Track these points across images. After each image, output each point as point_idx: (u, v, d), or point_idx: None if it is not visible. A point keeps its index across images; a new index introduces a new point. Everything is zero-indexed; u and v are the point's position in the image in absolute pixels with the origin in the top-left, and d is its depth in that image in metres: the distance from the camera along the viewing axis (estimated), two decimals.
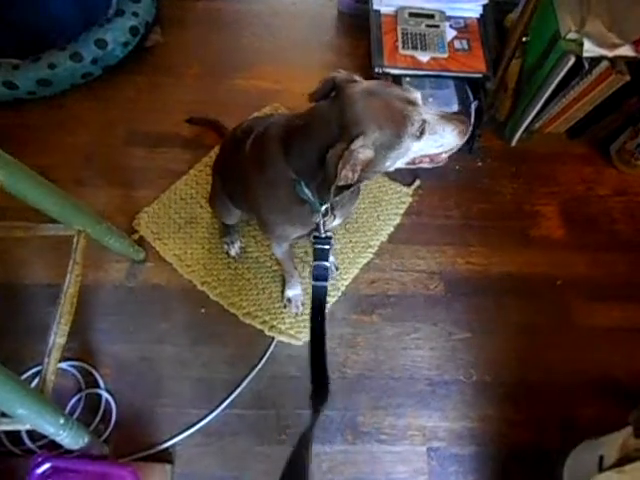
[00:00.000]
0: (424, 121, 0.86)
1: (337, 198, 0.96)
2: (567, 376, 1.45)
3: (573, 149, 1.89)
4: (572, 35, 1.50)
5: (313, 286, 1.01)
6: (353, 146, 0.82)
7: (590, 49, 1.48)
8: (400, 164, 0.93)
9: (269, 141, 0.97)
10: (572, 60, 1.51)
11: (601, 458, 1.13)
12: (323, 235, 1.02)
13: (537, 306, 1.56)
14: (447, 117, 0.90)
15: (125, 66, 1.92)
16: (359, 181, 0.91)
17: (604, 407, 1.40)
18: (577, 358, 1.48)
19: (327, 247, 1.02)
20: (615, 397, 1.41)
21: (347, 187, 0.90)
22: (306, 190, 0.95)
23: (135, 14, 1.86)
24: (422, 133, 0.87)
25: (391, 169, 0.93)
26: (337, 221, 1.12)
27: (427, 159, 0.96)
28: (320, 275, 1.01)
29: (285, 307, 1.51)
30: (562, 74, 1.56)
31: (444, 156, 0.98)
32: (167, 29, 2.07)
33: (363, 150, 0.83)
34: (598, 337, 1.52)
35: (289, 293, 1.50)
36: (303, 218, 1.04)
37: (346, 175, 0.84)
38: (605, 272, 1.63)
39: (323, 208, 0.98)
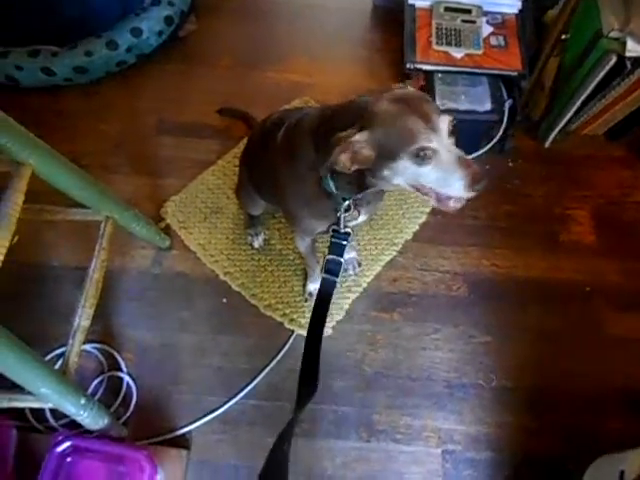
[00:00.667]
0: (432, 150, 0.81)
1: (360, 196, 0.96)
2: (590, 386, 1.41)
3: (611, 152, 1.83)
4: (615, 34, 1.44)
5: (323, 278, 1.02)
6: (355, 137, 0.82)
7: (633, 49, 1.42)
8: (402, 183, 0.87)
9: (300, 133, 0.98)
10: (614, 60, 1.46)
11: (622, 473, 1.09)
12: (342, 230, 1.02)
13: (563, 313, 1.52)
14: (463, 162, 0.81)
15: (159, 55, 1.94)
16: (363, 179, 0.90)
17: (627, 421, 1.36)
18: (602, 368, 1.44)
19: (344, 243, 1.02)
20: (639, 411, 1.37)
21: (356, 184, 0.91)
22: (331, 183, 0.95)
23: (171, 3, 1.88)
24: (424, 160, 0.81)
25: (394, 182, 0.88)
26: (362, 218, 1.11)
27: (434, 195, 0.87)
28: (332, 269, 1.01)
29: (306, 301, 1.51)
30: (602, 74, 1.51)
31: (452, 204, 0.87)
32: (202, 18, 2.09)
33: (363, 144, 0.83)
34: (625, 348, 1.47)
35: (310, 287, 1.51)
36: (327, 213, 1.04)
37: (341, 160, 0.83)
38: (637, 281, 1.57)
39: (345, 203, 0.98)
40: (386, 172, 0.86)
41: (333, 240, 1.03)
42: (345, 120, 0.87)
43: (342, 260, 1.03)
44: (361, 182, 0.92)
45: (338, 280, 1.03)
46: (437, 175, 0.83)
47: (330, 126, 0.88)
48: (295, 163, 0.99)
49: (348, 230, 1.03)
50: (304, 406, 0.90)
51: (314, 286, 1.50)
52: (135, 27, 1.81)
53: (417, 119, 0.81)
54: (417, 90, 0.92)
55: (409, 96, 0.85)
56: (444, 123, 0.82)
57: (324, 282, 1.02)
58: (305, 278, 1.53)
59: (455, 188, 0.82)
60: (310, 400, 0.91)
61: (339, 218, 1.01)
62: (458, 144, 1.67)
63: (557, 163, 1.80)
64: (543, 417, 1.38)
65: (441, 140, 0.82)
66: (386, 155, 0.83)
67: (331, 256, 1.02)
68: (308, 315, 1.47)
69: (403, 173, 0.85)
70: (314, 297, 1.47)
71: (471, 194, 0.82)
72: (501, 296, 1.54)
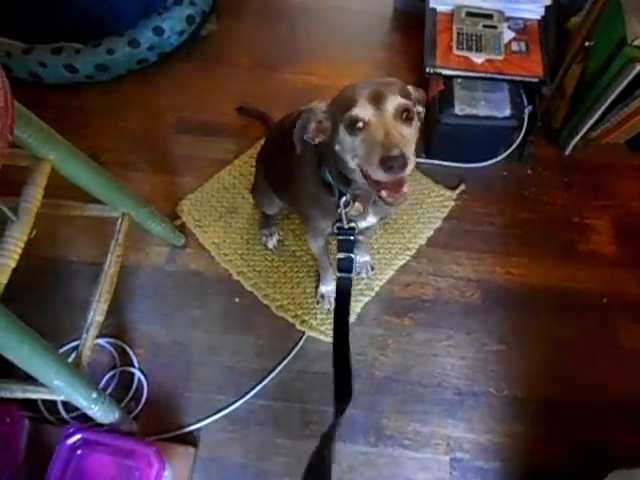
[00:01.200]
0: (363, 121, 0.79)
1: (358, 192, 0.97)
2: (604, 399, 1.39)
3: (632, 161, 1.80)
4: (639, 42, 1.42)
5: (338, 277, 1.02)
6: (315, 107, 0.86)
7: None
8: (350, 162, 0.85)
9: None
10: (638, 68, 1.43)
11: None
12: (346, 226, 1.02)
13: (578, 323, 1.50)
14: (389, 142, 0.76)
15: (179, 54, 1.96)
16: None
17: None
18: (616, 381, 1.41)
19: (351, 238, 1.02)
20: None
21: (343, 175, 0.91)
22: (326, 171, 0.96)
23: (192, 3, 1.90)
24: (356, 131, 0.80)
25: (345, 162, 0.86)
26: (372, 219, 1.11)
27: (374, 185, 0.83)
28: (345, 267, 1.01)
29: (318, 303, 1.51)
30: (626, 82, 1.49)
31: (404, 190, 0.82)
32: (223, 19, 2.11)
33: (324, 115, 0.86)
34: None
35: (323, 289, 1.50)
36: (332, 210, 1.03)
37: (309, 126, 0.87)
38: None
39: (344, 198, 0.98)
40: (337, 147, 0.86)
41: (339, 238, 1.03)
42: None
43: (352, 256, 1.02)
44: (339, 168, 0.92)
45: (352, 276, 1.03)
46: (363, 149, 0.80)
47: None
48: (302, 161, 1.01)
49: (352, 225, 1.02)
50: (344, 411, 0.90)
51: (326, 288, 1.50)
52: (157, 26, 1.83)
53: (363, 91, 0.81)
54: (420, 81, 0.92)
55: (381, 79, 0.85)
56: (392, 102, 0.80)
57: (340, 281, 1.02)
58: (318, 280, 1.53)
59: (372, 164, 0.78)
60: (349, 404, 0.91)
61: (340, 214, 1.01)
62: (476, 150, 1.65)
63: (577, 171, 1.77)
64: (553, 428, 1.36)
65: (379, 115, 0.79)
66: (333, 125, 0.85)
67: (341, 254, 1.02)
68: (319, 317, 1.48)
69: (343, 146, 0.84)
70: (325, 300, 1.48)
71: (382, 175, 0.77)
72: (515, 304, 1.53)
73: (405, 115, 0.81)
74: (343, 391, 0.93)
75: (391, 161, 0.75)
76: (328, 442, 0.86)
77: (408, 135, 0.81)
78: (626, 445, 1.33)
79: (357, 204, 1.01)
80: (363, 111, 0.80)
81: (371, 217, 1.10)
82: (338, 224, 1.03)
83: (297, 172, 1.06)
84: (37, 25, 1.80)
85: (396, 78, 0.88)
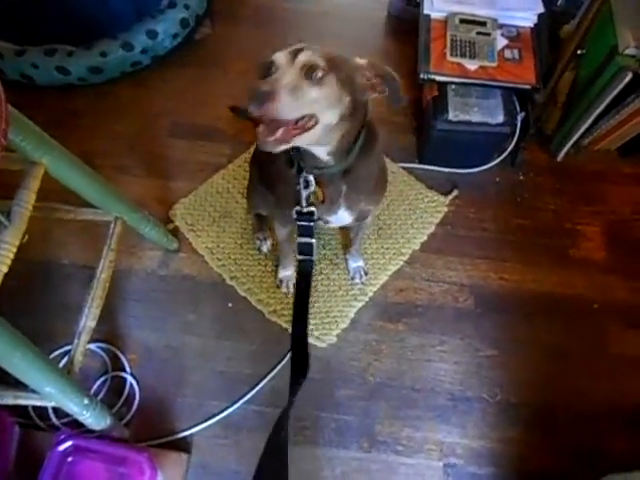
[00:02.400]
0: (273, 64, 0.83)
1: (315, 173, 0.97)
2: (596, 404, 1.40)
3: (623, 168, 1.82)
4: (631, 51, 1.43)
5: (299, 260, 1.03)
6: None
7: None
8: None
9: None
10: (629, 76, 1.45)
11: None
12: (305, 210, 1.01)
13: (570, 329, 1.51)
14: (273, 79, 0.79)
15: (173, 57, 1.95)
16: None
17: (632, 440, 1.35)
18: (608, 387, 1.42)
19: (311, 224, 1.02)
20: None
21: None
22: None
23: (187, 7, 1.89)
24: (269, 73, 0.83)
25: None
26: (345, 216, 1.10)
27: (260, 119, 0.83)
28: (304, 250, 1.03)
29: (278, 287, 1.53)
30: (617, 90, 1.50)
31: (278, 135, 0.82)
32: (217, 23, 2.11)
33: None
34: (633, 367, 1.45)
35: (281, 274, 1.52)
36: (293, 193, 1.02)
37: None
38: None
39: (302, 178, 0.98)
40: None
41: (299, 223, 1.03)
42: None
43: (313, 241, 1.03)
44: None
45: (314, 258, 1.03)
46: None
47: None
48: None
49: (312, 209, 1.02)
50: (296, 392, 0.92)
51: (285, 273, 1.51)
52: (151, 29, 1.82)
53: (293, 45, 0.84)
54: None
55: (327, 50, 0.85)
56: (303, 56, 0.81)
57: (301, 264, 1.03)
58: (277, 266, 1.54)
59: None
60: (301, 385, 0.93)
61: (299, 194, 1.00)
62: (469, 156, 1.66)
63: (568, 178, 1.79)
64: (547, 433, 1.37)
65: (289, 65, 0.81)
66: None
67: (301, 239, 1.03)
68: (313, 323, 1.48)
69: None
70: (284, 284, 1.51)
71: (249, 106, 0.77)
72: (508, 310, 1.53)
73: (313, 74, 0.80)
74: (299, 370, 0.94)
75: (253, 92, 0.77)
76: (284, 423, 0.86)
77: (308, 92, 0.80)
78: (618, 450, 1.34)
79: (316, 188, 1.00)
80: (280, 56, 0.83)
81: (343, 212, 1.09)
82: (297, 207, 1.02)
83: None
84: (30, 27, 1.78)
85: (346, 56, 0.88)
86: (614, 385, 1.43)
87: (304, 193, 1.00)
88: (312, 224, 1.03)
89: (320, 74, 0.80)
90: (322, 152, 0.93)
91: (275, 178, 1.12)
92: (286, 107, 0.78)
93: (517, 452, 1.34)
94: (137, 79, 1.92)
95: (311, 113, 0.82)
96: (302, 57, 0.81)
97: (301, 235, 1.03)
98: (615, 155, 1.83)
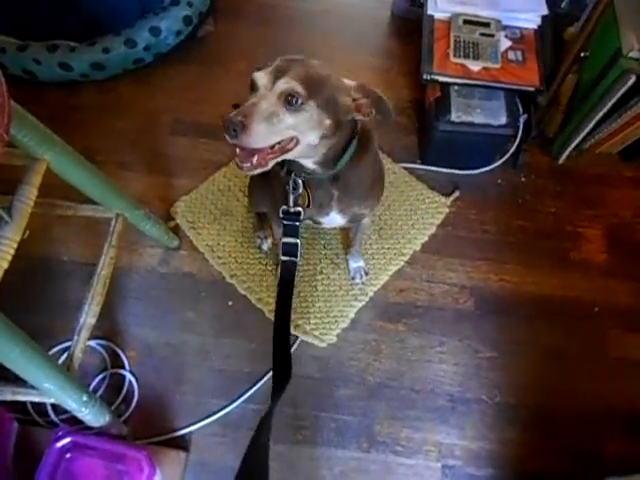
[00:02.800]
0: (255, 84, 0.82)
1: (305, 177, 0.97)
2: (595, 407, 1.40)
3: (625, 172, 1.82)
4: (634, 54, 1.43)
5: (282, 261, 1.02)
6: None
7: None
8: None
9: None
10: (632, 79, 1.45)
11: None
12: (292, 210, 1.01)
13: (570, 331, 1.51)
14: (247, 106, 0.78)
15: (176, 55, 1.95)
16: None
17: (631, 444, 1.35)
18: (607, 390, 1.42)
19: (296, 224, 1.02)
20: None
21: None
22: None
23: (190, 4, 1.89)
24: (251, 90, 0.83)
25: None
26: (336, 217, 1.11)
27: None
28: (289, 251, 1.02)
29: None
30: (620, 93, 1.50)
31: (253, 162, 0.84)
32: (220, 20, 2.10)
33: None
34: (632, 370, 1.45)
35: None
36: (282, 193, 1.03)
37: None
38: None
39: (292, 180, 0.98)
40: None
41: (285, 222, 1.03)
42: None
43: (297, 241, 1.02)
44: None
45: (298, 261, 1.03)
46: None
47: None
48: None
49: (298, 209, 1.02)
50: (279, 396, 0.89)
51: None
52: (154, 26, 1.82)
53: (278, 62, 0.83)
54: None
55: (309, 63, 0.85)
56: (283, 84, 0.80)
57: (284, 265, 1.02)
58: (277, 265, 1.53)
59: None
60: (284, 389, 0.90)
61: (287, 194, 1.00)
62: (472, 157, 1.65)
63: (570, 180, 1.79)
64: (545, 435, 1.37)
65: (269, 87, 0.80)
66: None
67: (286, 238, 1.02)
68: (313, 322, 1.48)
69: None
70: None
71: (225, 136, 0.79)
72: (508, 311, 1.53)
73: (292, 100, 0.80)
74: (281, 374, 0.93)
75: (227, 123, 0.77)
76: (265, 429, 0.84)
77: (285, 119, 0.80)
78: (617, 453, 1.34)
79: (303, 191, 1.01)
80: (261, 77, 0.82)
81: (335, 215, 1.09)
82: (284, 207, 1.02)
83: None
84: (33, 22, 1.78)
85: (322, 63, 0.88)
86: (613, 388, 1.43)
87: (292, 195, 1.00)
88: (297, 224, 1.03)
89: (299, 101, 0.80)
90: (308, 162, 0.94)
91: (271, 177, 1.12)
92: (259, 137, 0.79)
93: (516, 454, 1.34)
94: (139, 76, 1.91)
95: (290, 136, 0.83)
96: (281, 84, 0.80)
97: (286, 235, 1.03)
98: (616, 159, 1.83)
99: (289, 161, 0.96)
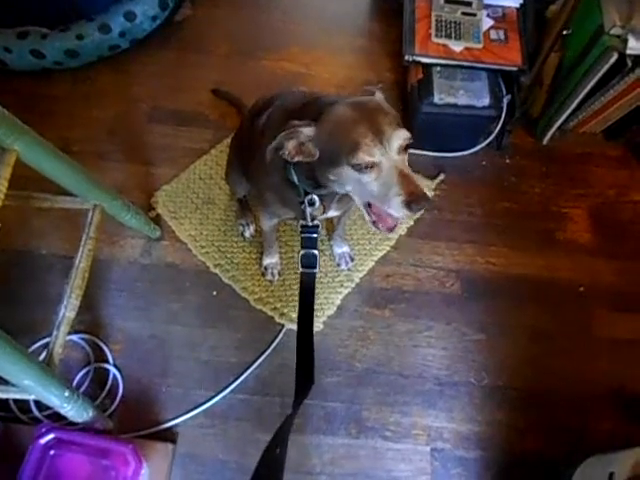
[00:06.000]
0: (373, 163, 0.80)
1: (324, 192, 0.98)
2: (581, 386, 1.41)
3: (608, 151, 1.82)
4: (616, 30, 1.42)
5: (302, 273, 1.02)
6: (303, 128, 0.83)
7: (635, 46, 1.40)
8: (349, 190, 0.88)
9: (275, 121, 0.99)
10: (615, 57, 1.44)
11: (611, 475, 1.09)
12: (310, 224, 1.02)
13: (556, 312, 1.51)
14: (405, 179, 0.80)
15: (153, 40, 1.90)
16: (317, 177, 0.90)
17: (618, 422, 1.36)
18: (594, 369, 1.43)
19: (314, 235, 1.03)
20: (630, 412, 1.37)
21: (312, 180, 0.93)
22: (292, 172, 0.96)
23: None
24: (366, 170, 0.81)
25: (340, 188, 0.89)
26: (332, 213, 1.13)
27: (373, 214, 0.89)
28: (308, 262, 1.02)
29: (263, 275, 1.51)
30: (603, 71, 1.49)
31: (388, 224, 0.89)
32: (198, 3, 2.05)
33: (309, 138, 0.84)
34: (617, 349, 1.46)
35: (266, 261, 1.50)
36: (292, 203, 1.04)
37: (286, 146, 0.84)
38: (631, 282, 1.56)
39: (309, 197, 0.99)
40: (331, 176, 0.86)
41: (303, 235, 1.03)
42: (309, 114, 0.88)
43: (316, 252, 1.03)
44: (316, 180, 0.93)
45: (316, 271, 1.03)
46: (377, 188, 0.82)
47: (297, 117, 0.88)
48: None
49: (317, 222, 1.03)
50: (300, 404, 0.90)
51: (269, 260, 1.50)
52: (129, 11, 1.77)
53: (365, 130, 0.80)
54: (381, 100, 0.90)
55: (369, 105, 0.85)
56: (397, 139, 0.81)
57: (304, 276, 1.02)
58: (261, 253, 1.52)
59: (392, 204, 0.81)
60: (306, 397, 0.91)
61: (304, 212, 1.01)
62: (455, 139, 1.65)
63: (554, 161, 1.78)
64: (534, 416, 1.38)
65: (387, 154, 0.81)
66: (329, 157, 0.84)
67: (304, 250, 1.03)
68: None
69: (346, 180, 0.85)
70: (269, 271, 1.50)
71: (407, 214, 0.81)
72: (495, 294, 1.53)
73: (406, 147, 0.83)
74: (304, 386, 0.93)
75: (418, 202, 0.79)
76: (282, 438, 0.85)
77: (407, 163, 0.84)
78: (605, 431, 1.35)
79: (319, 204, 1.02)
80: (370, 154, 0.80)
81: (333, 212, 1.12)
82: (302, 222, 1.03)
83: (262, 163, 1.05)
84: (1, 7, 1.71)
85: (376, 97, 0.90)
86: (600, 367, 1.44)
87: (309, 209, 1.00)
88: (315, 236, 1.03)
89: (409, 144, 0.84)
90: None
91: (260, 170, 1.09)
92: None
93: (504, 435, 1.35)
94: (116, 63, 1.86)
95: None
96: (395, 142, 0.81)
97: (305, 247, 1.03)
98: (600, 138, 1.83)
99: (318, 186, 0.95)
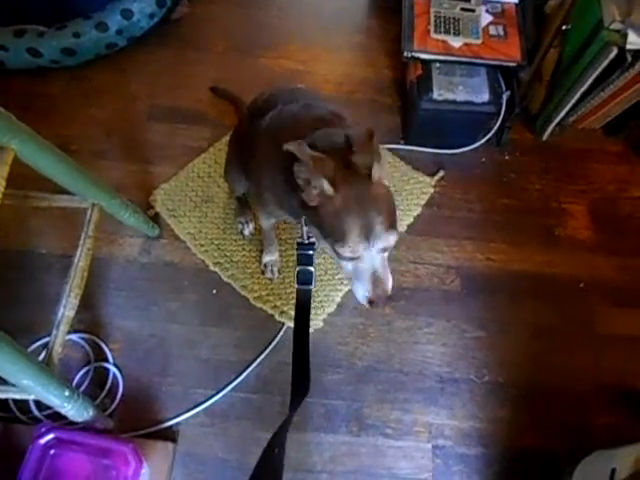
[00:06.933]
0: (353, 256, 0.84)
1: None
2: (582, 383, 1.41)
3: (608, 147, 1.81)
4: (616, 25, 1.41)
5: (297, 289, 1.02)
6: (325, 184, 0.81)
7: (634, 41, 1.39)
8: (340, 266, 0.91)
9: (284, 131, 0.97)
10: (614, 52, 1.43)
11: (613, 471, 1.09)
12: (306, 242, 1.03)
13: (556, 308, 1.51)
14: (375, 280, 0.86)
15: (150, 38, 1.89)
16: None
17: (619, 418, 1.36)
18: (594, 365, 1.43)
19: (311, 252, 1.04)
20: (631, 408, 1.37)
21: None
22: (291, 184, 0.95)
23: None
24: (343, 257, 0.85)
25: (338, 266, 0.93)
26: None
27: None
28: (304, 279, 1.03)
29: (262, 273, 1.50)
30: (602, 66, 1.48)
31: (362, 301, 0.91)
32: (195, 1, 2.04)
33: (320, 190, 0.82)
34: (618, 345, 1.46)
35: (266, 259, 1.50)
36: (291, 207, 1.02)
37: (302, 172, 0.83)
38: (632, 278, 1.56)
39: (304, 218, 1.00)
40: (313, 230, 0.91)
41: (299, 252, 1.04)
42: (321, 140, 0.87)
43: (312, 269, 1.03)
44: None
45: (312, 288, 1.03)
46: (349, 271, 0.88)
47: (305, 132, 0.89)
48: (275, 155, 0.96)
49: (312, 240, 1.03)
50: (297, 408, 0.90)
51: (269, 258, 1.49)
52: (126, 8, 1.75)
53: (357, 227, 0.81)
54: (388, 189, 0.88)
55: (377, 191, 0.83)
56: (384, 241, 0.83)
57: (300, 293, 1.03)
58: (261, 251, 1.51)
59: (357, 292, 0.89)
60: (302, 401, 0.92)
61: (302, 230, 1.03)
62: (455, 135, 1.63)
63: (554, 157, 1.78)
64: (535, 413, 1.38)
65: (369, 249, 0.83)
66: (319, 222, 0.86)
67: (300, 267, 1.03)
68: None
69: (324, 246, 0.89)
70: (268, 269, 1.49)
71: (367, 306, 0.89)
72: (495, 290, 1.53)
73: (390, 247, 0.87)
74: (300, 391, 0.95)
75: (379, 304, 0.88)
76: (280, 438, 0.85)
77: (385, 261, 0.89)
78: (605, 428, 1.35)
79: None
80: (353, 252, 0.83)
81: None
82: (298, 240, 1.04)
83: (264, 166, 1.04)
84: None
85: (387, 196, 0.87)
86: (600, 363, 1.43)
87: (305, 229, 1.02)
88: (312, 252, 1.04)
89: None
90: None
91: (260, 167, 1.09)
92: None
93: (506, 432, 1.35)
94: (113, 61, 1.85)
95: None
96: (383, 244, 0.84)
97: (300, 264, 1.03)
98: (600, 134, 1.83)
99: None
